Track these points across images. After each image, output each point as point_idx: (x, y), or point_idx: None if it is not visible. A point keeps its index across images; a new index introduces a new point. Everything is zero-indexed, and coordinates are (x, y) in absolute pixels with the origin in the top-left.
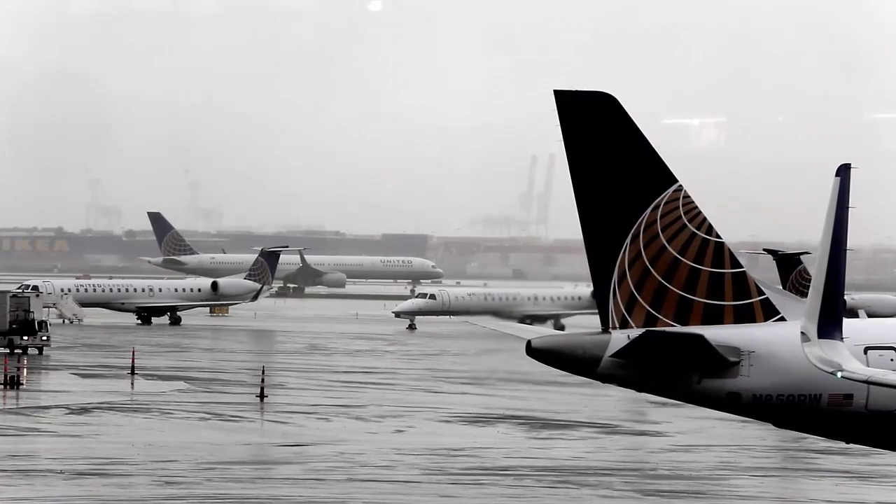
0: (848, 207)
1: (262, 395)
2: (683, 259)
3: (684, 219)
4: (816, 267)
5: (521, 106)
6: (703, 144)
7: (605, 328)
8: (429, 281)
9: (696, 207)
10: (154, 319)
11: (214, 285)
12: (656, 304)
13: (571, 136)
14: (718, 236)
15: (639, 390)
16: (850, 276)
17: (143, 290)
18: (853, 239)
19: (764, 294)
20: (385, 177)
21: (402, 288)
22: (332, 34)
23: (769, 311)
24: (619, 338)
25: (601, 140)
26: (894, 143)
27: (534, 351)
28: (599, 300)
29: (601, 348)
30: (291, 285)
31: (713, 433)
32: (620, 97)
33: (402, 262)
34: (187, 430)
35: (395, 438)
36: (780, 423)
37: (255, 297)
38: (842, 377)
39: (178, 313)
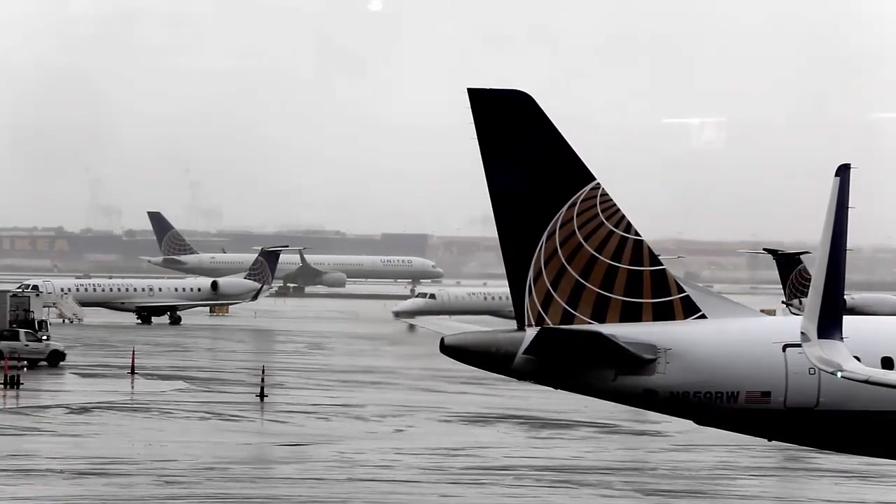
0: (848, 207)
1: (262, 395)
2: (600, 257)
3: (601, 217)
4: (816, 267)
5: None
6: (702, 143)
7: (521, 326)
8: (429, 281)
9: (615, 205)
10: (154, 319)
11: (214, 285)
12: (573, 301)
13: (486, 134)
14: (637, 234)
15: (555, 387)
16: (849, 276)
17: (143, 290)
18: (853, 239)
19: (685, 291)
20: (385, 177)
21: (402, 288)
22: (331, 34)
23: (689, 309)
24: (533, 335)
25: (516, 138)
26: (894, 143)
27: (448, 348)
28: (515, 298)
29: (515, 346)
30: (291, 285)
31: (713, 433)
32: (620, 97)
33: (402, 261)
34: (187, 429)
35: (395, 438)
36: (700, 420)
37: (255, 297)
38: (842, 377)
39: (178, 313)
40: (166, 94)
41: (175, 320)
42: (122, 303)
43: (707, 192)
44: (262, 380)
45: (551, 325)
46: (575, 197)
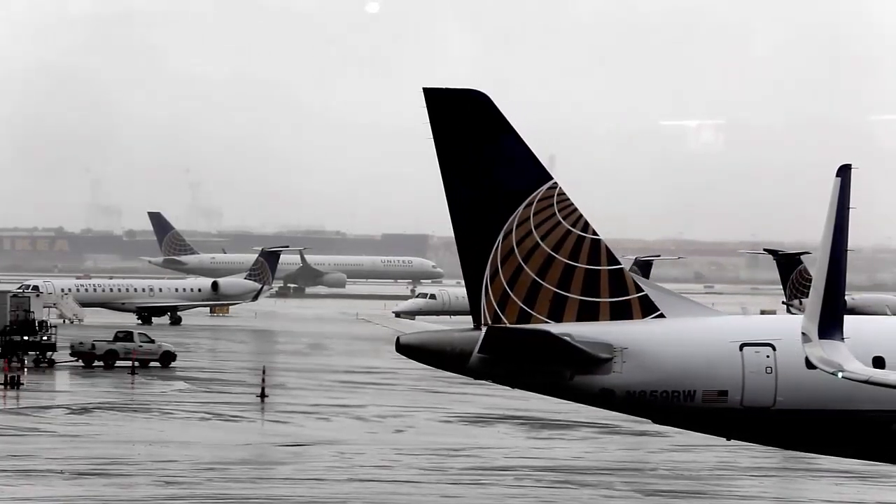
0: (848, 208)
1: (262, 395)
2: (557, 256)
3: (559, 216)
4: (817, 267)
5: (520, 105)
6: (703, 144)
7: (477, 325)
8: (429, 281)
9: (572, 205)
10: (154, 319)
11: (215, 285)
12: (530, 300)
13: (442, 133)
14: (595, 233)
15: (512, 387)
16: (850, 277)
17: (144, 290)
18: (853, 239)
19: (643, 291)
20: (385, 177)
21: (402, 288)
22: (331, 34)
23: (648, 308)
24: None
25: (472, 138)
26: (894, 144)
27: (403, 347)
28: (471, 297)
29: (470, 345)
30: (292, 285)
31: None
32: (621, 98)
33: (402, 262)
34: (187, 430)
35: (395, 438)
36: (658, 419)
37: (255, 297)
38: (842, 377)
39: (179, 313)
40: (167, 95)
41: (175, 321)
42: (123, 303)
43: (707, 192)
44: (263, 380)
45: (498, 324)
46: (532, 196)
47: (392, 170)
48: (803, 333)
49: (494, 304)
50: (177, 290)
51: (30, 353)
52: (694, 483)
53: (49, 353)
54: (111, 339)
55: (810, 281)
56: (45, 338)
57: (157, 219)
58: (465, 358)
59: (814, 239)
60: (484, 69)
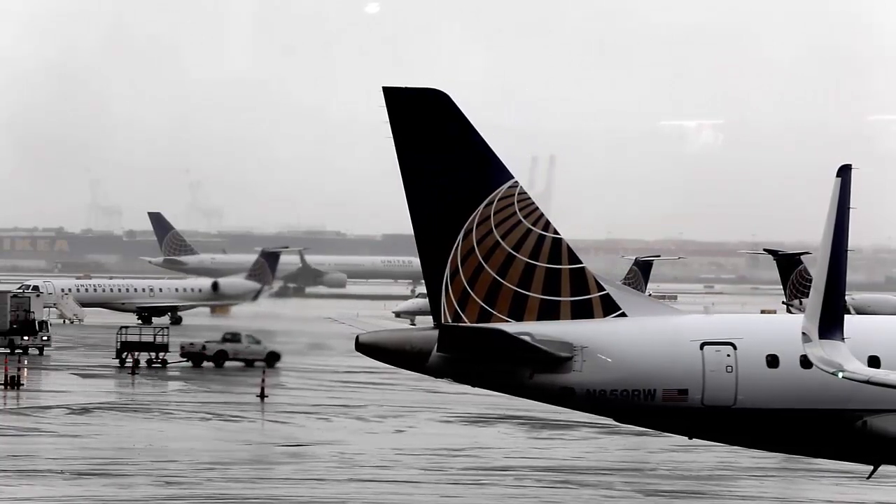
0: (849, 208)
1: (262, 396)
2: (518, 255)
3: (519, 215)
4: (817, 267)
5: (520, 106)
6: (703, 145)
7: (438, 323)
8: None
9: (533, 203)
10: (155, 319)
11: (215, 285)
12: (490, 299)
13: (401, 132)
14: (556, 232)
15: (472, 385)
16: (850, 277)
17: (144, 290)
18: (853, 239)
19: (604, 290)
20: (385, 177)
21: (402, 288)
22: (331, 34)
23: (609, 307)
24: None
25: (432, 137)
26: (894, 144)
27: (362, 346)
28: (431, 296)
29: (430, 344)
30: (292, 285)
31: None
32: (621, 98)
33: (403, 262)
34: (187, 430)
35: (395, 438)
36: (619, 418)
37: (255, 298)
38: (843, 377)
39: (179, 313)
40: (167, 95)
41: (176, 321)
42: (123, 303)
43: (707, 192)
44: (263, 380)
45: (451, 323)
46: (492, 195)
47: (392, 170)
48: (804, 333)
49: (455, 302)
50: (177, 290)
51: (144, 353)
52: (694, 483)
53: (162, 354)
54: (220, 340)
55: (810, 281)
56: (45, 338)
57: (157, 219)
58: (424, 357)
59: (814, 239)
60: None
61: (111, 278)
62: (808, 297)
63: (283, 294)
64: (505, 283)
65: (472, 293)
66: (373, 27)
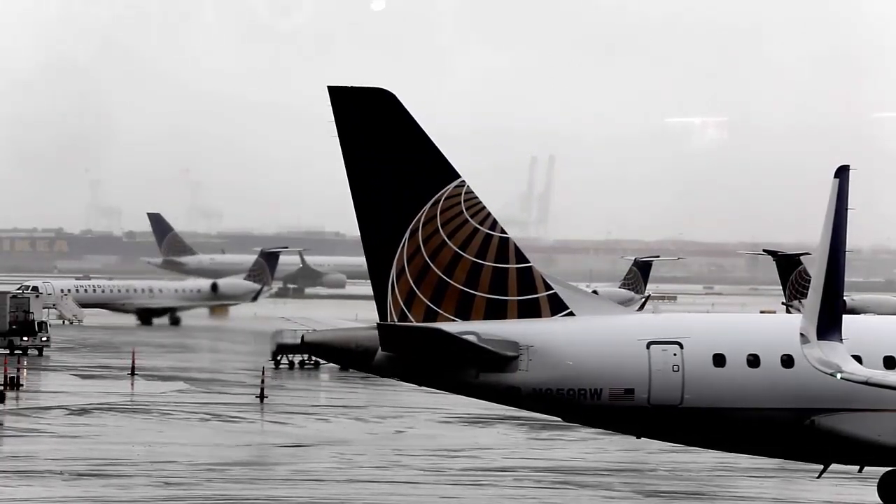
0: (847, 208)
1: (261, 396)
2: (465, 254)
3: (466, 214)
4: (816, 267)
5: (520, 106)
6: (703, 145)
7: (378, 323)
8: None
9: (480, 203)
10: (154, 320)
11: (214, 286)
12: (436, 298)
13: (346, 131)
14: (503, 231)
15: (418, 384)
16: (849, 277)
17: (143, 291)
18: (852, 240)
19: (552, 289)
20: None
21: None
22: (332, 33)
23: (557, 307)
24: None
25: (377, 136)
26: (894, 143)
27: (308, 345)
28: (377, 294)
29: (375, 342)
30: (291, 286)
31: None
32: (620, 98)
33: None
34: (187, 430)
35: (394, 439)
36: (566, 417)
37: (254, 298)
38: (841, 378)
39: (178, 314)
40: (167, 95)
41: (175, 321)
42: (122, 304)
43: (708, 193)
44: (262, 381)
45: (387, 322)
46: (438, 194)
47: None
48: (802, 334)
49: (401, 301)
50: (176, 291)
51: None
52: (694, 483)
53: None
54: None
55: (810, 282)
56: (44, 338)
57: (156, 220)
58: (369, 356)
59: (813, 240)
60: (484, 69)
61: (111, 279)
62: (807, 297)
63: (283, 295)
64: (451, 282)
65: (418, 292)
66: (374, 27)
